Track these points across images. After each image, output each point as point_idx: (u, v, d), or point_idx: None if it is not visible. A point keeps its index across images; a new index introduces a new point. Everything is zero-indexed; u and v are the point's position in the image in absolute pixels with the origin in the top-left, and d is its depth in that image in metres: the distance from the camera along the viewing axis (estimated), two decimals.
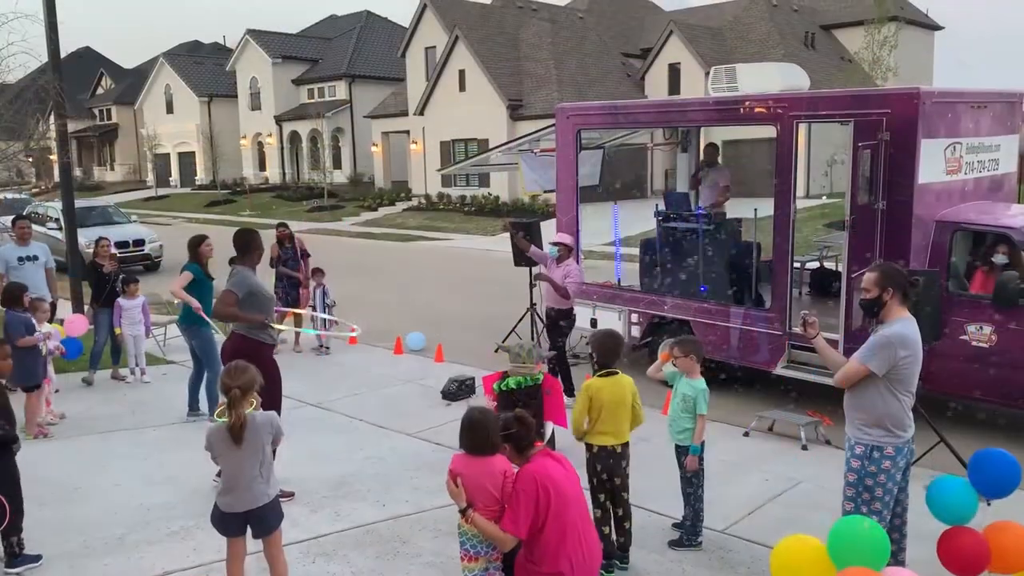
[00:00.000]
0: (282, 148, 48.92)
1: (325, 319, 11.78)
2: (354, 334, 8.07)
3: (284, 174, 48.81)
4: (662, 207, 10.93)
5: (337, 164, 45.25)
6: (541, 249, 10.39)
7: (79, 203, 15.09)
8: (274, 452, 4.91)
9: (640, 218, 13.41)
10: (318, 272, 12.05)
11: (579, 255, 10.97)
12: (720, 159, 12.36)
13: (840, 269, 9.02)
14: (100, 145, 62.07)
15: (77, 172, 52.82)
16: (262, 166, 50.87)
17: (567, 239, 9.39)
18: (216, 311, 7.02)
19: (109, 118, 60.79)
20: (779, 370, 8.94)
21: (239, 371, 4.69)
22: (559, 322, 9.31)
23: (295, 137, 48.28)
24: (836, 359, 5.07)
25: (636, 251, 11.56)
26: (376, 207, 36.96)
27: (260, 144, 50.43)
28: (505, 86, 34.85)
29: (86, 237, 14.75)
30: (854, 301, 7.87)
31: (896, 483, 4.86)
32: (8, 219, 12.05)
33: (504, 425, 4.41)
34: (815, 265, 11.27)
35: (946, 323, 7.89)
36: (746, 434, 8.27)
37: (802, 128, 8.93)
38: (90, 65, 63.69)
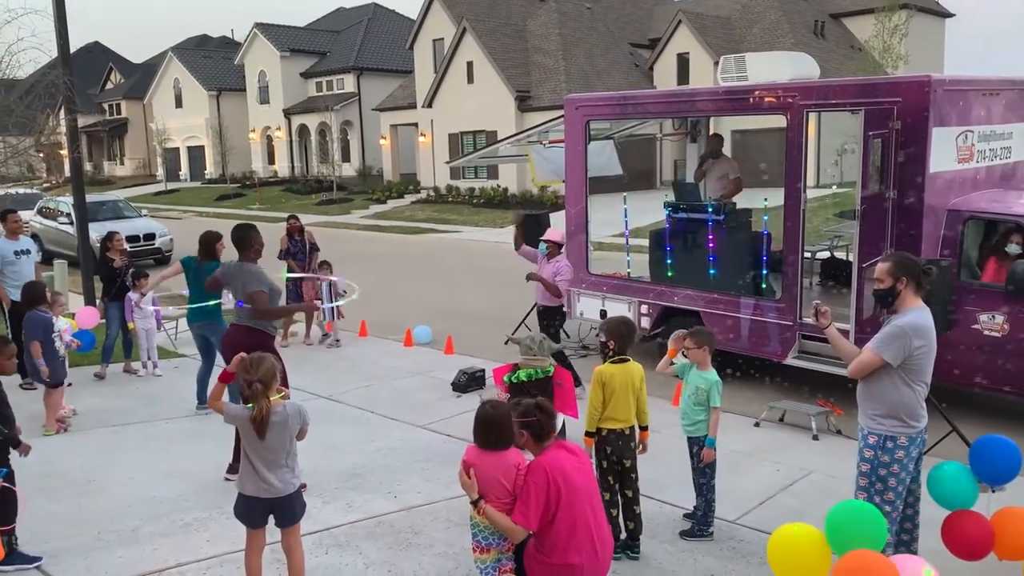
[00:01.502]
0: (291, 142, 48.98)
1: (334, 309, 11.82)
2: (355, 297, 8.01)
3: (293, 167, 48.87)
4: (671, 198, 10.90)
5: (346, 157, 45.24)
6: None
7: (90, 198, 15.14)
8: None
9: (650, 209, 13.38)
10: (325, 266, 12.06)
11: (588, 246, 10.98)
12: (728, 150, 12.32)
13: (851, 259, 8.99)
14: (110, 140, 62.29)
15: (87, 167, 53.10)
16: (271, 160, 50.93)
17: (556, 236, 9.40)
18: (265, 314, 6.85)
19: (118, 113, 60.99)
20: (790, 360, 8.93)
21: (256, 363, 4.65)
22: (548, 319, 9.33)
23: (304, 130, 48.32)
24: (849, 349, 5.05)
25: (646, 242, 11.54)
26: (385, 200, 36.97)
27: (269, 138, 50.50)
28: (513, 77, 34.78)
29: (96, 232, 14.81)
30: (865, 291, 7.85)
31: (909, 473, 4.84)
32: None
33: (524, 412, 4.41)
34: (826, 255, 11.23)
35: (958, 313, 7.86)
36: (757, 424, 8.27)
37: (812, 117, 8.88)
38: (99, 60, 63.88)
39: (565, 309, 9.47)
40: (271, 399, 4.65)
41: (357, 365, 10.87)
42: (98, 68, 62.33)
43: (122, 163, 61.57)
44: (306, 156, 48.54)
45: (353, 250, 21.79)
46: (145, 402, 9.33)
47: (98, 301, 11.23)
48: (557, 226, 10.44)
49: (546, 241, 9.33)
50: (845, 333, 7.50)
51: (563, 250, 9.42)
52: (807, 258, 9.94)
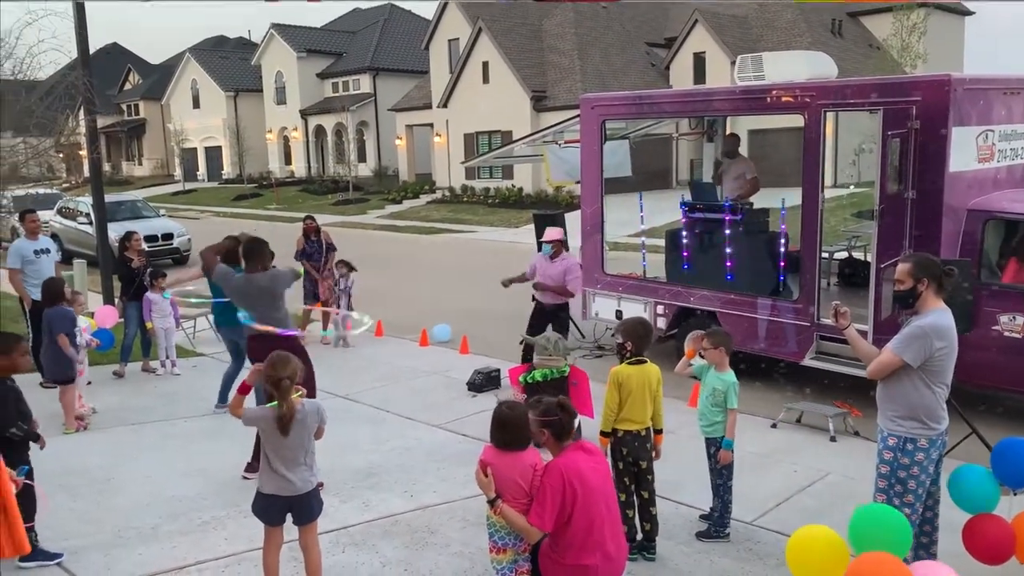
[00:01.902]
0: (307, 142, 49.17)
1: (348, 306, 11.88)
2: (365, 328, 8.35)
3: (310, 168, 49.08)
4: (688, 198, 10.86)
5: (362, 157, 45.40)
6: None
7: (108, 198, 15.23)
8: None
9: (665, 209, 13.33)
10: (343, 264, 12.07)
11: (603, 246, 10.95)
12: (745, 150, 12.25)
13: (869, 259, 8.93)
14: (128, 140, 62.72)
15: (106, 167, 53.44)
16: (288, 160, 51.17)
17: (556, 235, 9.37)
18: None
19: (137, 113, 61.42)
20: (807, 361, 8.88)
21: (283, 361, 4.72)
22: (555, 318, 9.25)
23: (320, 131, 48.51)
24: (868, 350, 5.01)
25: (662, 242, 11.50)
26: (400, 200, 37.06)
27: (286, 138, 50.73)
28: (528, 77, 34.77)
29: (115, 231, 14.92)
30: (883, 292, 7.79)
31: (929, 475, 4.80)
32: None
33: (546, 411, 4.41)
34: (843, 255, 11.16)
35: (978, 314, 7.79)
36: (774, 426, 8.22)
37: (830, 117, 8.82)
38: (117, 61, 64.37)
39: (569, 308, 9.40)
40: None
41: (373, 364, 10.90)
42: (116, 69, 62.80)
43: (140, 163, 62.00)
44: (322, 156, 48.72)
45: (369, 250, 21.84)
46: (163, 401, 9.39)
47: (117, 300, 11.32)
48: (573, 227, 10.42)
49: (549, 241, 9.33)
50: (863, 334, 7.46)
51: (564, 245, 9.39)
52: (825, 258, 9.87)
